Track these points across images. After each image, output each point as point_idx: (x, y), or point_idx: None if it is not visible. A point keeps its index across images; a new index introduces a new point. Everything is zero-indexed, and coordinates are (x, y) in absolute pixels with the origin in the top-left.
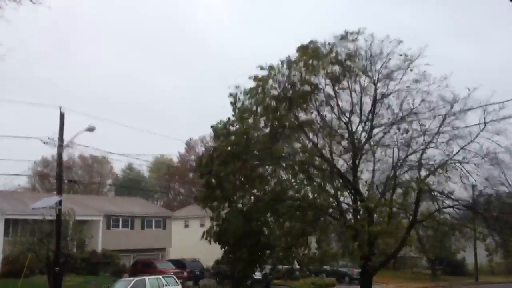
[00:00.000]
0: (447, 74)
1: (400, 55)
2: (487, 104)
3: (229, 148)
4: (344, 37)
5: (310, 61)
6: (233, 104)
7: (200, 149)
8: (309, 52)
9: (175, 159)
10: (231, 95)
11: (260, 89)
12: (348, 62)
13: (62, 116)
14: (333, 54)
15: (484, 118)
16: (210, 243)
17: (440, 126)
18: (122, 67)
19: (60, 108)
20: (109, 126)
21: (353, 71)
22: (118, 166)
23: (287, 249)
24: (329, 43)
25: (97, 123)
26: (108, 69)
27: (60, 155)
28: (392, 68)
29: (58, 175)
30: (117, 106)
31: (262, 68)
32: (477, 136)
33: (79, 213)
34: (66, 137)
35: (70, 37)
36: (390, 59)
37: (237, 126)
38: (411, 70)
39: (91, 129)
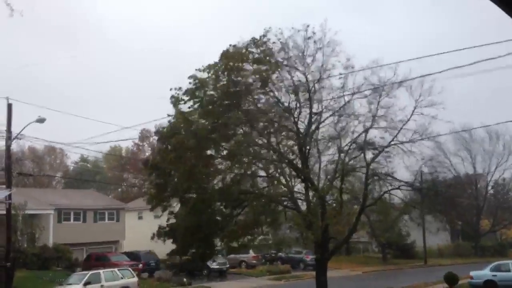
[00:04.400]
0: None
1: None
2: (413, 78)
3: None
4: (256, 39)
5: (235, 64)
6: (175, 104)
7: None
8: (233, 56)
9: (131, 147)
10: (172, 97)
11: (198, 92)
12: (268, 59)
13: (9, 107)
14: (254, 55)
15: (413, 95)
16: (164, 242)
17: (377, 108)
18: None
19: (7, 98)
20: (63, 117)
21: (274, 71)
22: (71, 158)
23: (234, 238)
24: (247, 46)
25: (50, 114)
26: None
27: (8, 147)
28: (321, 61)
29: (7, 167)
30: (71, 97)
31: (200, 70)
32: (412, 113)
33: (29, 206)
34: (16, 129)
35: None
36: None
37: (181, 125)
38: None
39: (41, 121)
